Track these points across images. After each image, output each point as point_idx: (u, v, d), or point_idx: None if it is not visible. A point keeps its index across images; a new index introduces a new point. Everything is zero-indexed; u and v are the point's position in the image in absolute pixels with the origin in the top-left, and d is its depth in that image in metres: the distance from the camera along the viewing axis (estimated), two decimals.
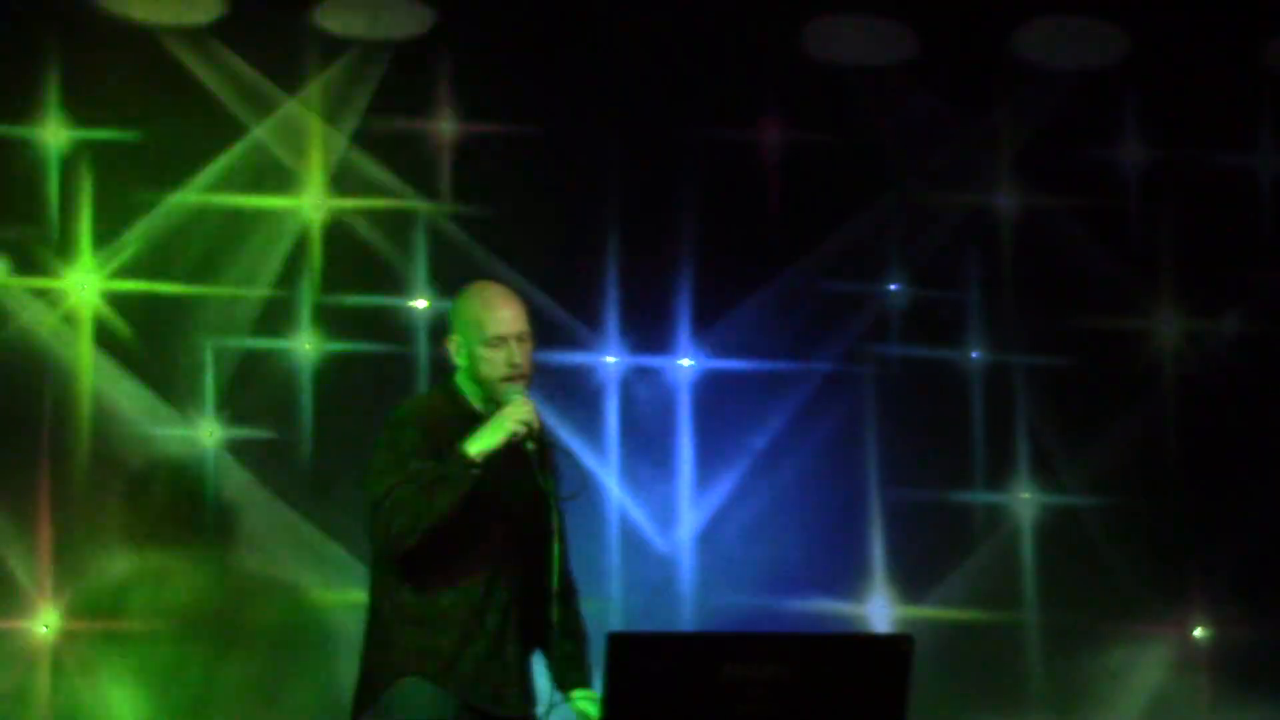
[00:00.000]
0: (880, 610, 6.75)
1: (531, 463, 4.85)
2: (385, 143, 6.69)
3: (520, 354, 4.86)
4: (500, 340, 4.86)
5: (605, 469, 6.68)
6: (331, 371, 6.57)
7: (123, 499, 6.40)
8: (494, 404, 4.89)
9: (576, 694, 4.98)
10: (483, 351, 4.87)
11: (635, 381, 6.77)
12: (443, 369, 6.52)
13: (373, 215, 6.66)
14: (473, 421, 4.86)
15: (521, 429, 4.79)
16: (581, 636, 5.05)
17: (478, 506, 4.85)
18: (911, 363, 6.90)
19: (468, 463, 4.75)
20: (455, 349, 4.94)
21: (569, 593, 5.08)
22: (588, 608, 5.11)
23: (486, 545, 4.88)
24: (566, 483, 4.96)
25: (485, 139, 6.75)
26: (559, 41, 6.76)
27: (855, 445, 6.82)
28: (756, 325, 6.83)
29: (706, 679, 4.14)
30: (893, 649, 4.31)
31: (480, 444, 4.76)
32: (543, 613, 4.97)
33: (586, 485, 4.98)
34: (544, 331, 6.61)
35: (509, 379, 4.86)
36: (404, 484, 4.76)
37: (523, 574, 4.93)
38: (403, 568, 4.87)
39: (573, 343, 6.70)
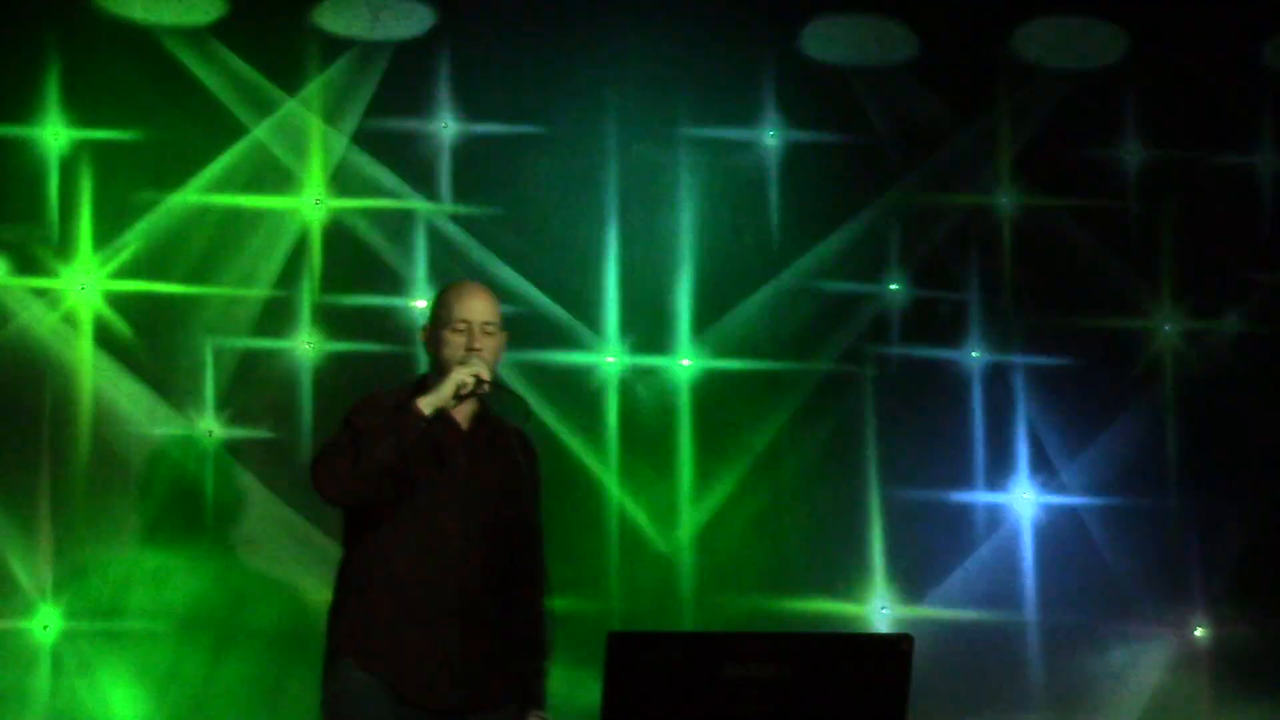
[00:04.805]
0: (880, 610, 6.75)
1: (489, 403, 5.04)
2: (385, 143, 6.69)
3: (480, 341, 5.00)
4: (464, 324, 5.01)
5: (605, 469, 6.68)
6: (331, 371, 6.57)
7: (123, 499, 6.40)
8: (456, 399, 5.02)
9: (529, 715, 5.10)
10: (447, 335, 5.02)
11: (635, 381, 6.77)
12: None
13: (373, 215, 6.66)
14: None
15: (469, 379, 4.89)
16: (539, 651, 5.10)
17: (434, 494, 4.96)
18: (911, 363, 6.90)
19: (414, 413, 4.83)
20: (426, 337, 5.12)
21: (533, 596, 5.16)
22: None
23: (434, 535, 4.97)
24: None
25: (485, 139, 6.75)
26: (559, 41, 6.76)
27: (855, 445, 6.82)
28: (756, 325, 6.82)
29: (706, 679, 4.14)
30: (893, 649, 4.30)
31: (429, 398, 4.88)
32: (508, 611, 5.06)
33: (530, 413, 5.16)
34: (544, 331, 6.63)
35: (464, 362, 4.99)
36: (346, 433, 4.89)
37: (480, 569, 4.99)
38: (354, 545, 5.01)
39: (573, 343, 6.70)
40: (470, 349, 4.98)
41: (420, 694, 4.93)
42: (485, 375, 4.91)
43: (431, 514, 4.97)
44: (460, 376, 4.89)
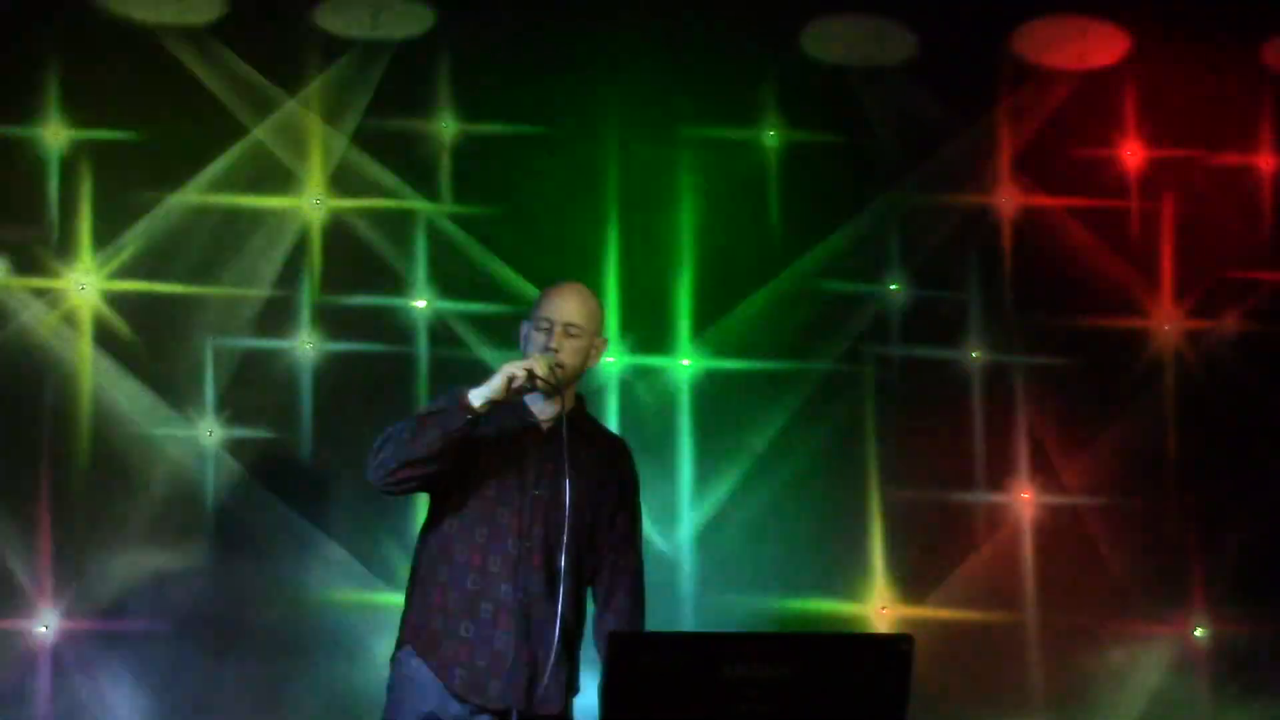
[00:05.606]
0: (880, 610, 6.75)
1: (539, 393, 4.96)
2: (385, 143, 6.69)
3: (559, 340, 4.95)
4: (547, 322, 4.98)
5: None
6: (331, 371, 6.57)
7: (123, 499, 6.40)
8: (538, 397, 5.00)
9: None
10: (532, 332, 5.01)
11: (635, 381, 6.76)
12: (444, 368, 6.58)
13: (373, 215, 6.66)
14: (510, 406, 4.95)
15: (520, 373, 4.84)
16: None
17: (500, 491, 4.93)
18: (911, 363, 6.90)
19: (461, 404, 4.80)
20: (522, 336, 5.07)
21: (618, 607, 5.09)
22: (588, 608, 5.09)
23: (495, 532, 4.93)
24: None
25: (485, 139, 6.75)
26: (559, 41, 6.76)
27: (855, 445, 6.82)
28: (756, 325, 6.82)
29: (707, 679, 4.14)
30: (893, 649, 4.30)
31: (481, 389, 4.84)
32: (571, 618, 4.99)
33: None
34: None
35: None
36: (402, 420, 4.87)
37: (542, 572, 4.95)
38: (426, 535, 4.99)
39: None
40: (547, 347, 4.95)
41: (466, 689, 4.90)
42: (539, 371, 4.85)
43: (495, 511, 4.94)
44: (512, 369, 4.85)
